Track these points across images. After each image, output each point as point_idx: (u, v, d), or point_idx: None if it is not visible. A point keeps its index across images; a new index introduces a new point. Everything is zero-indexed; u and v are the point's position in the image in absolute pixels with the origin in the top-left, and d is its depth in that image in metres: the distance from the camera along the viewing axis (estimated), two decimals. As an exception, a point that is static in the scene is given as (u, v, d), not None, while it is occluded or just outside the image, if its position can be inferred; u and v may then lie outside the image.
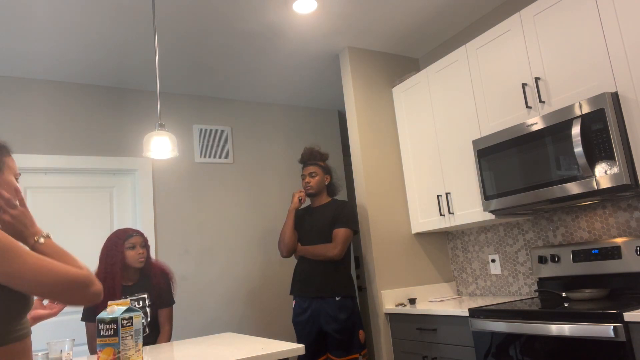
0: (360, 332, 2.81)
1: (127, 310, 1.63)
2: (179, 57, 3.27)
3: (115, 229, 3.46)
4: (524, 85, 2.47)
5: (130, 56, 3.19)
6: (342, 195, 4.38)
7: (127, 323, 1.60)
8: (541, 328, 2.06)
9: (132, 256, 2.59)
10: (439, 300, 3.05)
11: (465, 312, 2.45)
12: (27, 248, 1.19)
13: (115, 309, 1.63)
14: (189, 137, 3.87)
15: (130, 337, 1.60)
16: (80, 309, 2.60)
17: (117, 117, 3.62)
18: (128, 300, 1.69)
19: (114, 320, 1.58)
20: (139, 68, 3.37)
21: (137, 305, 2.61)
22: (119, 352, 1.52)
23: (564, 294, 2.42)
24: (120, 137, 3.60)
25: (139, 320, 1.64)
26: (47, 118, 3.37)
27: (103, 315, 1.61)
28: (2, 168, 1.37)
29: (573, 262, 2.50)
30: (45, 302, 1.81)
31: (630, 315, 1.78)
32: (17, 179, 1.42)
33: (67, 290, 1.18)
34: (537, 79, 2.40)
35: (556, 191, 2.22)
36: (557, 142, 2.22)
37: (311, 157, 3.04)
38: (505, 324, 2.22)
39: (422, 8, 2.96)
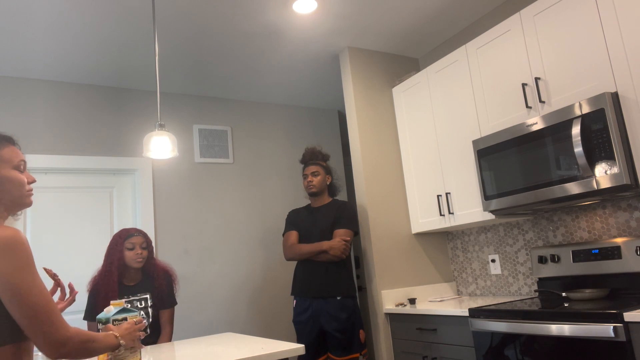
0: (361, 331, 2.81)
1: (120, 311, 1.63)
2: (179, 57, 3.28)
3: (115, 229, 3.47)
4: (524, 85, 2.47)
5: (130, 56, 3.19)
6: (342, 196, 4.38)
7: (119, 324, 1.59)
8: (541, 328, 2.06)
9: (131, 256, 2.59)
10: (439, 300, 3.05)
11: (465, 312, 2.45)
12: (38, 275, 1.23)
13: (112, 309, 1.63)
14: (189, 137, 3.87)
15: None
16: (82, 307, 2.60)
17: (117, 117, 3.62)
18: (122, 301, 1.70)
19: (108, 321, 1.60)
20: (139, 68, 3.37)
21: (139, 306, 2.61)
22: (112, 353, 1.52)
23: (564, 294, 2.42)
24: (120, 137, 3.60)
25: (136, 318, 1.64)
26: (47, 118, 3.37)
27: (101, 315, 1.62)
28: None
29: (573, 262, 2.50)
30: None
31: (630, 315, 1.78)
32: (22, 168, 1.36)
33: (42, 327, 1.18)
34: (537, 79, 2.40)
35: (556, 191, 2.22)
36: (557, 142, 2.22)
37: (313, 157, 3.05)
38: (505, 324, 2.22)
39: (422, 8, 2.96)
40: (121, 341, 1.43)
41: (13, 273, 1.16)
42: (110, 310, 1.62)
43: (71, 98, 3.48)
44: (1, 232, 1.17)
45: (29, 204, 1.38)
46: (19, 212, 1.41)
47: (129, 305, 2.61)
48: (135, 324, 1.54)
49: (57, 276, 1.74)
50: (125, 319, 1.61)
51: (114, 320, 1.59)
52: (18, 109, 3.28)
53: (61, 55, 3.08)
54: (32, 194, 1.40)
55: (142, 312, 1.67)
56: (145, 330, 2.58)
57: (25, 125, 3.29)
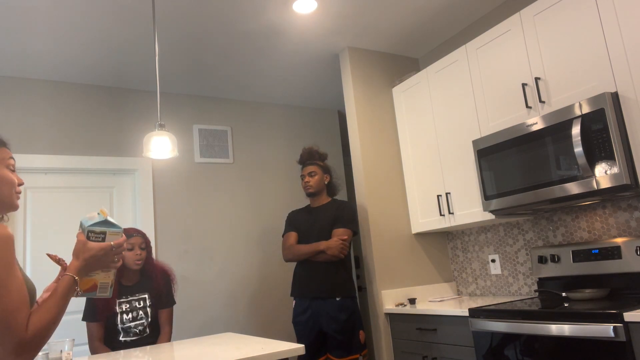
0: (361, 332, 2.81)
1: (100, 223, 1.36)
2: (179, 57, 3.27)
3: (115, 229, 3.46)
4: (524, 85, 2.47)
5: (130, 56, 3.19)
6: (342, 195, 4.37)
7: (96, 238, 1.35)
8: (541, 328, 2.06)
9: (130, 257, 2.59)
10: (439, 300, 3.05)
11: (465, 312, 2.45)
12: (18, 273, 1.16)
13: (95, 216, 1.38)
14: (189, 137, 3.87)
15: None
16: (81, 309, 2.60)
17: (117, 117, 3.62)
18: (106, 212, 1.45)
19: (84, 230, 1.35)
20: (139, 68, 3.37)
21: (137, 306, 2.61)
22: (74, 277, 1.30)
23: (564, 294, 2.42)
24: (120, 137, 3.60)
25: (116, 237, 1.40)
26: (47, 118, 3.37)
27: (82, 219, 1.39)
28: None
29: (573, 262, 2.50)
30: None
31: (630, 315, 1.78)
32: (12, 168, 1.33)
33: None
34: (537, 79, 2.40)
35: (556, 191, 2.22)
36: (557, 142, 2.22)
37: (310, 157, 3.05)
38: (505, 324, 2.22)
39: (422, 8, 2.96)
40: (76, 277, 1.28)
41: None
42: (92, 217, 1.37)
43: (71, 98, 3.48)
44: None
45: (17, 207, 1.33)
46: (6, 216, 1.37)
47: (128, 297, 2.60)
48: (112, 249, 1.35)
49: (63, 260, 1.72)
50: (104, 233, 1.36)
51: (90, 231, 1.34)
52: (18, 109, 3.28)
53: (61, 55, 3.08)
54: (19, 197, 1.34)
55: (122, 232, 1.42)
56: (144, 329, 2.59)
57: (25, 125, 3.28)
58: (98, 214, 1.39)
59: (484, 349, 2.33)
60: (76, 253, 1.32)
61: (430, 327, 2.70)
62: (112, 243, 1.35)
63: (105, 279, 1.38)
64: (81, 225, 1.37)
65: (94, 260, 1.33)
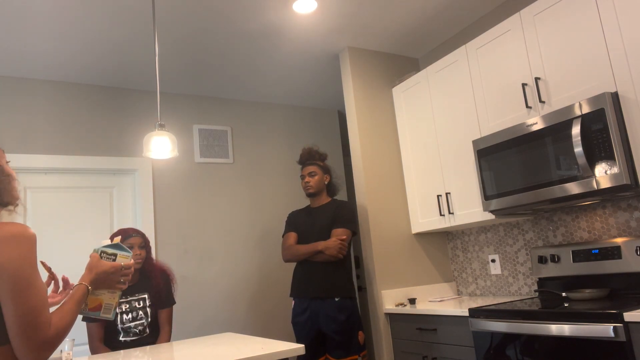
0: (360, 333, 2.80)
1: (113, 246, 1.52)
2: (179, 57, 3.27)
3: (115, 229, 3.47)
4: (524, 85, 2.47)
5: (130, 56, 3.19)
6: (342, 195, 4.38)
7: (107, 258, 1.49)
8: (541, 328, 2.06)
9: None
10: (439, 300, 3.05)
11: (465, 312, 2.45)
12: (39, 280, 1.23)
13: (108, 241, 1.54)
14: (189, 137, 3.87)
15: None
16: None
17: (117, 117, 3.62)
18: (119, 238, 1.62)
19: (97, 251, 1.50)
20: (139, 68, 3.37)
21: (137, 306, 2.61)
22: (88, 287, 1.42)
23: (564, 294, 2.42)
24: (120, 137, 3.60)
25: (126, 260, 1.54)
26: (47, 118, 3.37)
27: (96, 246, 1.54)
28: None
29: (573, 262, 2.50)
30: (61, 289, 1.79)
31: (630, 315, 1.78)
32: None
33: (25, 330, 1.17)
34: (537, 79, 2.40)
35: (556, 191, 2.22)
36: (557, 142, 2.22)
37: (310, 157, 3.04)
38: (505, 324, 2.22)
39: (422, 8, 2.96)
40: (89, 287, 1.42)
41: (20, 265, 1.17)
42: (105, 243, 1.53)
43: (71, 98, 3.48)
44: (13, 227, 1.21)
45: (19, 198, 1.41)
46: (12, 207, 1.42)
47: (127, 297, 2.60)
48: (121, 269, 1.49)
49: (52, 269, 1.74)
50: (115, 255, 1.51)
51: (103, 252, 1.49)
52: (18, 109, 3.28)
53: (61, 55, 3.08)
54: None
55: (131, 256, 1.58)
56: (144, 329, 2.59)
57: (25, 125, 3.28)
58: (111, 240, 1.56)
59: (484, 349, 2.33)
60: (90, 267, 1.46)
61: (430, 327, 2.70)
62: (122, 263, 1.50)
63: (110, 299, 1.51)
64: (95, 250, 1.52)
65: (105, 276, 1.46)
